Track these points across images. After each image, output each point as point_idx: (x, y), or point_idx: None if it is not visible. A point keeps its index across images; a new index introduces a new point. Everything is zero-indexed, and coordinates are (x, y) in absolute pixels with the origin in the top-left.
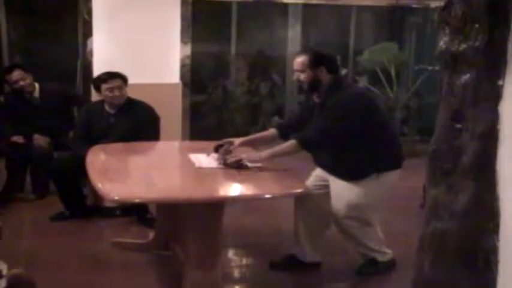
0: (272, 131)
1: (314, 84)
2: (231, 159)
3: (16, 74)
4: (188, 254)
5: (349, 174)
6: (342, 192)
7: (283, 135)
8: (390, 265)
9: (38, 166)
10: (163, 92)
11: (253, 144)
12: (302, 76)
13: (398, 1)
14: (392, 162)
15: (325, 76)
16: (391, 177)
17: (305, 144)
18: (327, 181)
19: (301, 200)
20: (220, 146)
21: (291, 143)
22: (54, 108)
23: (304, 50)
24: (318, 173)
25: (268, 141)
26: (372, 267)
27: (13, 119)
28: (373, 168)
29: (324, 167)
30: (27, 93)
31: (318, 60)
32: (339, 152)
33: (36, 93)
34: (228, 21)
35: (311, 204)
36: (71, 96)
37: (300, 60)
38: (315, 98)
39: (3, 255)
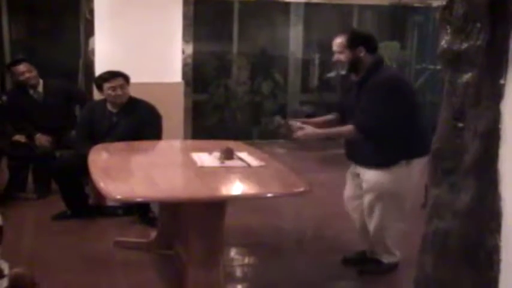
0: (331, 117)
1: (354, 64)
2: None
3: (22, 66)
4: (190, 253)
5: (379, 161)
6: (375, 183)
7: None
8: (393, 267)
9: (40, 165)
10: (165, 91)
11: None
12: (342, 56)
13: (400, 0)
14: (422, 149)
15: (365, 55)
16: (419, 164)
17: (364, 131)
18: (361, 177)
19: (348, 204)
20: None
21: (349, 127)
22: (58, 105)
23: (343, 31)
24: (352, 170)
25: (332, 125)
26: (375, 268)
27: (16, 117)
28: (403, 155)
29: (355, 158)
30: (31, 87)
31: (356, 40)
32: (371, 139)
33: (40, 89)
34: (230, 20)
35: (358, 206)
36: (75, 93)
37: (338, 41)
38: (354, 77)
39: (5, 254)
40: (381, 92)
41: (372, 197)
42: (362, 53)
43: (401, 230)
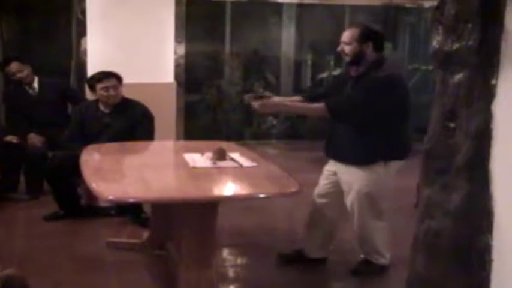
0: (297, 98)
1: (357, 58)
2: (262, 105)
3: (13, 66)
4: (183, 253)
5: (358, 159)
6: (353, 181)
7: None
8: (385, 267)
9: (32, 166)
10: (157, 92)
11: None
12: (347, 48)
13: (392, 1)
14: (400, 153)
15: (370, 52)
16: (396, 167)
17: (332, 110)
18: (336, 175)
19: (316, 201)
20: (259, 97)
21: (320, 105)
22: (53, 101)
23: (355, 23)
24: (328, 167)
25: None
26: (367, 268)
27: (12, 113)
28: (382, 156)
29: (334, 154)
30: (26, 84)
31: (367, 34)
32: (353, 135)
33: (36, 84)
34: (223, 21)
35: (325, 205)
36: (70, 91)
37: (349, 32)
38: (352, 72)
39: None
40: (373, 87)
41: (351, 196)
42: (369, 48)
43: (384, 229)
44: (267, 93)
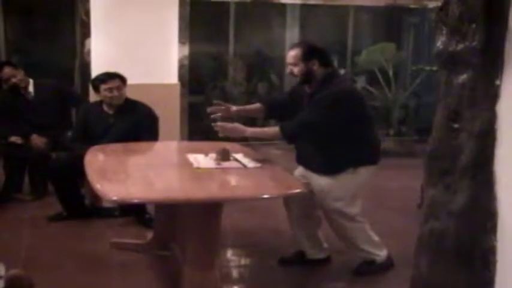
0: (258, 106)
1: (307, 77)
2: (221, 127)
3: (6, 72)
4: (186, 254)
5: (327, 168)
6: (322, 187)
7: (267, 114)
8: (387, 265)
9: (36, 166)
10: (161, 93)
11: (245, 113)
12: (295, 69)
13: (396, 1)
14: (369, 158)
15: (318, 69)
16: (367, 172)
17: (286, 135)
18: (308, 179)
19: (288, 203)
20: (218, 105)
21: (275, 129)
22: (50, 104)
23: (297, 43)
24: (299, 172)
25: (256, 115)
26: (368, 267)
27: (11, 118)
28: (350, 163)
29: (304, 163)
30: (22, 88)
31: (310, 53)
32: (319, 146)
33: (31, 88)
34: (226, 22)
35: (298, 206)
36: (67, 92)
37: (292, 53)
38: (307, 89)
39: (1, 256)
40: (323, 104)
41: (326, 205)
42: (315, 65)
43: (362, 229)
44: (225, 104)
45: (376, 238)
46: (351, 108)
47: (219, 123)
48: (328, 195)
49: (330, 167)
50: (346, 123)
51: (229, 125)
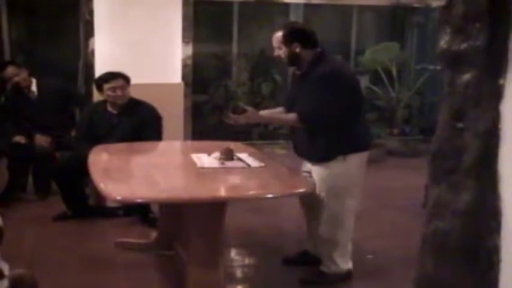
0: (281, 109)
1: (293, 60)
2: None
3: (9, 71)
4: (191, 253)
5: (319, 155)
6: (321, 178)
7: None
8: (340, 278)
9: (40, 166)
10: (165, 92)
11: None
12: (280, 52)
13: (400, 1)
14: (360, 144)
15: (302, 51)
16: (359, 159)
17: (304, 120)
18: (312, 170)
19: (305, 199)
20: (237, 109)
21: (293, 115)
22: (53, 104)
23: (282, 26)
24: (303, 168)
25: None
26: (317, 277)
27: (14, 117)
28: (340, 150)
29: (299, 153)
30: (25, 88)
31: (291, 36)
32: (310, 133)
33: (34, 87)
34: (230, 21)
35: (309, 205)
36: (70, 92)
37: (276, 36)
38: (296, 71)
39: (5, 255)
40: (320, 86)
41: (324, 196)
42: (298, 48)
43: (349, 231)
44: (249, 108)
45: (349, 252)
46: (344, 88)
47: (232, 115)
48: (322, 182)
49: (320, 155)
50: (339, 104)
51: (242, 116)
